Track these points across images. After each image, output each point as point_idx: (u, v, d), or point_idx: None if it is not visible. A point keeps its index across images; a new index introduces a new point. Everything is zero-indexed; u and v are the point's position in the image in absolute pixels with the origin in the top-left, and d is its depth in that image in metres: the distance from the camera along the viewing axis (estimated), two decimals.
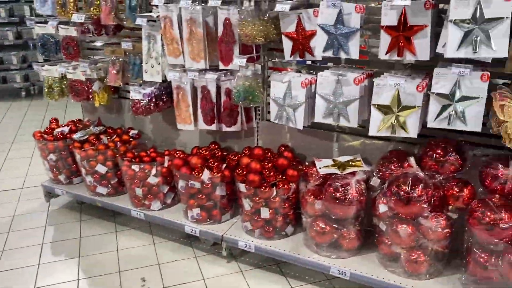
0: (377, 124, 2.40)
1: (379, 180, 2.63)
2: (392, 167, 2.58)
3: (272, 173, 2.77)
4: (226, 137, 3.37)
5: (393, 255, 2.60)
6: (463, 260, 2.45)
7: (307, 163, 2.86)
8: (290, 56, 2.71)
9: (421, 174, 2.42)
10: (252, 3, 2.56)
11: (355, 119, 2.53)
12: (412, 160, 2.49)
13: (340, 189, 2.54)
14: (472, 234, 2.30)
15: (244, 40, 2.68)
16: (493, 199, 2.25)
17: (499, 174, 2.28)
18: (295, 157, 3.03)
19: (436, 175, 2.46)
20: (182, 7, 2.71)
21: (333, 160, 2.81)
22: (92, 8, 3.15)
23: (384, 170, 2.61)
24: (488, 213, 2.20)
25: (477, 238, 2.28)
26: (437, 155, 2.46)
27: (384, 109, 2.36)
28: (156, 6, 2.92)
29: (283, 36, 2.69)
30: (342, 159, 2.83)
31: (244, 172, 2.83)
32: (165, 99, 3.28)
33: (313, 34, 2.58)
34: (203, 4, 2.73)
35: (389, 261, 2.64)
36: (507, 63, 2.13)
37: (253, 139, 3.29)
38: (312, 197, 2.70)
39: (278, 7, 2.53)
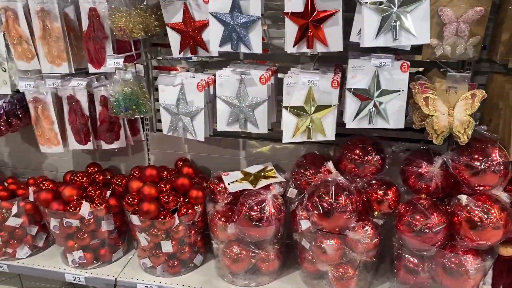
0: (291, 129, 2.04)
1: (296, 191, 2.30)
2: (309, 174, 2.26)
3: (171, 198, 2.27)
4: (108, 155, 2.76)
5: (319, 272, 2.30)
6: (392, 267, 2.24)
7: (212, 179, 2.41)
8: (180, 53, 2.21)
9: (343, 180, 2.13)
10: None
11: (265, 124, 2.14)
12: (330, 164, 2.20)
13: (255, 208, 2.14)
14: (402, 240, 2.09)
15: (118, 36, 2.10)
16: (421, 200, 2.06)
17: (423, 172, 2.09)
18: (197, 172, 2.55)
19: (357, 179, 2.20)
20: None
21: (242, 172, 2.41)
22: None
23: (300, 178, 2.28)
24: (418, 217, 1.99)
25: (408, 244, 2.07)
26: (356, 157, 2.19)
27: (297, 111, 2.02)
28: None
29: (168, 29, 2.18)
30: (252, 169, 2.44)
31: (136, 200, 2.27)
32: (20, 115, 2.54)
33: (204, 25, 2.12)
34: None
35: (315, 279, 2.34)
36: (423, 50, 1.92)
37: (143, 154, 2.73)
38: (223, 219, 2.26)
39: None
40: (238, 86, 2.10)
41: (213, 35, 2.06)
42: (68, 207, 2.29)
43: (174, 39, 2.19)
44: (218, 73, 2.12)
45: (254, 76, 2.07)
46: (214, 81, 2.14)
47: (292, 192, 2.28)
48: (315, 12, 1.88)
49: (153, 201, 2.22)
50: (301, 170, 2.29)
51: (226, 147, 2.61)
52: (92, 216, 2.31)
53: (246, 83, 2.09)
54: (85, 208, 2.28)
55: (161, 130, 2.68)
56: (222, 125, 2.19)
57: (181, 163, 2.61)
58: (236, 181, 2.32)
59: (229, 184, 2.29)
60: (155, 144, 2.70)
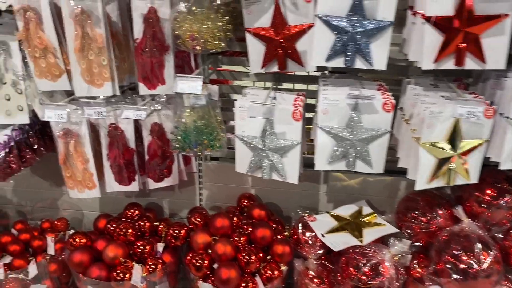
0: (428, 172, 1.54)
1: (409, 241, 1.81)
2: (425, 220, 1.78)
3: (252, 257, 1.73)
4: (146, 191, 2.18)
5: None
6: None
7: (293, 224, 1.89)
8: (263, 67, 1.66)
9: (481, 232, 1.66)
10: None
11: (382, 162, 1.64)
12: (460, 211, 1.72)
13: (368, 272, 1.65)
14: None
15: (186, 46, 1.53)
16: None
17: None
18: (269, 214, 2.02)
19: (492, 227, 1.74)
20: None
21: (334, 216, 1.90)
22: None
23: (411, 223, 1.80)
24: None
25: None
26: (489, 197, 1.72)
27: (440, 149, 1.51)
28: None
29: (247, 36, 1.62)
30: (345, 211, 1.93)
31: (206, 262, 1.73)
32: (35, 144, 1.93)
33: (302, 31, 1.57)
34: None
35: None
36: None
37: (193, 189, 2.17)
38: (316, 280, 1.76)
39: None
40: (350, 113, 1.58)
41: (318, 46, 1.53)
42: (114, 274, 1.72)
43: (255, 49, 1.63)
44: (322, 96, 1.58)
45: (375, 101, 1.55)
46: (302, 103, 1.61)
47: (404, 243, 1.78)
48: (472, 17, 1.37)
49: (232, 265, 1.69)
50: (413, 214, 1.81)
51: (301, 179, 2.08)
52: (145, 282, 1.75)
53: (362, 110, 1.57)
54: (137, 274, 1.72)
55: (217, 159, 2.15)
56: (322, 163, 1.66)
57: (245, 201, 2.07)
58: (332, 230, 1.81)
59: (323, 235, 1.78)
60: (209, 177, 2.14)
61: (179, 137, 1.64)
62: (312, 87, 1.99)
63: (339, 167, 1.66)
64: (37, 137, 1.94)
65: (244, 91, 1.77)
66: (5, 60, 1.60)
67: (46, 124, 1.78)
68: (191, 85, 1.49)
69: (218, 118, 1.67)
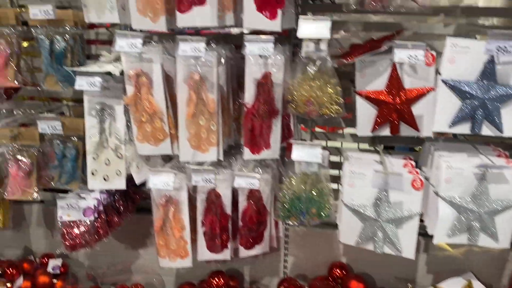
0: None
1: None
2: None
3: None
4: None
5: None
6: None
7: None
8: (373, 131, 1.57)
9: None
10: (324, 46, 1.35)
11: (508, 236, 1.50)
12: None
13: None
14: None
15: (299, 110, 1.46)
16: None
17: None
18: (366, 286, 1.85)
19: None
20: (181, 54, 1.37)
21: None
22: None
23: None
24: None
25: None
26: None
27: None
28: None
29: (357, 99, 1.54)
30: (453, 285, 1.77)
31: None
32: (122, 207, 1.85)
33: (421, 94, 1.49)
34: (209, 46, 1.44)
35: None
36: None
37: (276, 256, 2.03)
38: None
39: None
40: (476, 183, 1.46)
41: (441, 111, 1.44)
42: None
43: (365, 112, 1.55)
44: (444, 164, 1.47)
45: (506, 172, 1.43)
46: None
47: None
48: None
49: None
50: None
51: None
52: None
53: (490, 179, 1.45)
54: None
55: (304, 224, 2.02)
56: (442, 236, 1.53)
57: (338, 270, 1.92)
58: None
59: None
60: (295, 242, 2.01)
61: (286, 205, 1.54)
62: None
63: (460, 240, 1.53)
64: (122, 199, 1.87)
65: (346, 155, 1.68)
66: (110, 124, 1.55)
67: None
68: (309, 153, 1.40)
69: (328, 185, 1.56)
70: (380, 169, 1.53)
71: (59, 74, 1.55)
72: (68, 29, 1.52)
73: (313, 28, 1.29)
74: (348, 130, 1.89)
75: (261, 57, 1.44)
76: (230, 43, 1.62)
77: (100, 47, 1.88)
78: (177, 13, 1.37)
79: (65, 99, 2.00)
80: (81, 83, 1.42)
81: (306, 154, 1.41)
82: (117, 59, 1.60)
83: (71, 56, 1.55)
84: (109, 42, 1.89)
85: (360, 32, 1.77)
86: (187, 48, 1.35)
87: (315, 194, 1.51)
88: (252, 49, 1.33)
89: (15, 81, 1.57)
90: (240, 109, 1.67)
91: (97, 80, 1.41)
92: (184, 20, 1.39)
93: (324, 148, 1.54)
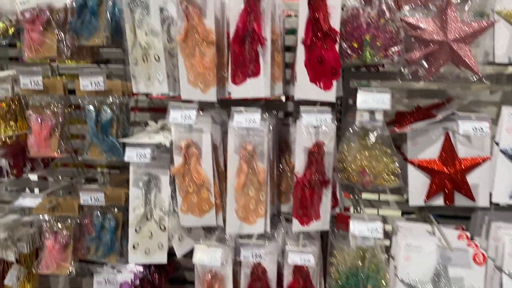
0: None
1: None
2: None
3: None
4: None
5: None
6: None
7: None
8: (426, 200, 1.51)
9: None
10: (380, 116, 1.33)
11: None
12: None
13: None
14: None
15: (351, 180, 1.42)
16: None
17: None
18: None
19: None
20: (236, 126, 1.35)
21: None
22: (7, 127, 1.58)
23: None
24: None
25: None
26: None
27: None
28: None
29: (409, 167, 1.50)
30: None
31: None
32: (156, 280, 1.75)
33: (477, 164, 1.45)
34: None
35: None
36: None
37: None
38: None
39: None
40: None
41: (500, 181, 1.39)
42: None
43: (417, 181, 1.51)
44: (507, 237, 1.40)
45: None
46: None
47: None
48: None
49: None
50: None
51: None
52: None
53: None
54: None
55: None
56: None
57: None
58: None
59: None
60: None
61: (339, 282, 1.45)
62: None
63: None
64: (156, 271, 1.77)
65: (395, 225, 1.60)
66: (155, 196, 1.50)
67: None
68: (369, 227, 1.33)
69: (384, 259, 1.48)
70: (435, 240, 1.45)
71: (104, 144, 1.52)
72: (116, 99, 1.51)
73: (372, 99, 1.27)
74: (392, 197, 1.83)
75: (317, 125, 1.42)
76: (270, 109, 1.62)
77: (138, 114, 1.87)
78: (231, 85, 1.36)
79: (100, 166, 1.96)
80: (130, 154, 1.38)
81: (366, 228, 1.34)
82: (163, 127, 1.58)
83: (116, 126, 1.53)
84: (148, 109, 1.89)
85: (402, 99, 1.77)
86: (242, 119, 1.33)
87: (371, 270, 1.42)
88: (309, 120, 1.31)
89: (58, 151, 1.54)
90: (281, 175, 1.63)
91: (147, 151, 1.38)
92: (238, 91, 1.38)
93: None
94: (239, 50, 1.33)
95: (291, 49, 1.68)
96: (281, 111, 1.84)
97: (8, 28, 1.80)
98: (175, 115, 1.36)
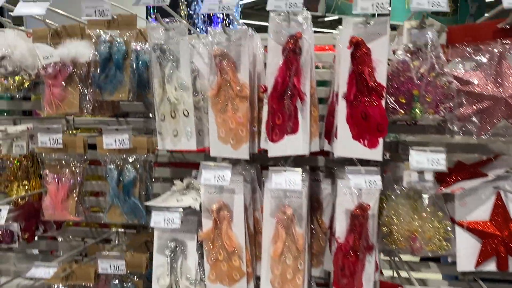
0: None
1: None
2: None
3: None
4: None
5: None
6: None
7: None
8: (477, 266, 1.37)
9: None
10: (430, 176, 1.22)
11: None
12: None
13: None
14: None
15: (398, 245, 1.28)
16: None
17: None
18: None
19: None
20: (275, 187, 1.23)
21: None
22: (20, 186, 1.46)
23: None
24: None
25: None
26: None
27: None
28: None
29: (457, 229, 1.37)
30: None
31: None
32: None
33: None
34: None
35: None
36: None
37: None
38: None
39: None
40: None
41: None
42: None
43: (466, 244, 1.38)
44: None
45: None
46: None
47: None
48: None
49: None
50: None
51: None
52: None
53: None
54: None
55: None
56: None
57: None
58: None
59: None
60: None
61: None
62: None
63: None
64: None
65: None
66: (181, 263, 1.36)
67: None
68: None
69: None
70: None
71: (126, 206, 1.40)
72: (139, 156, 1.40)
73: (426, 160, 1.17)
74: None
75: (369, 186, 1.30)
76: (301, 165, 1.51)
77: (158, 169, 1.76)
78: (269, 143, 1.26)
79: (114, 225, 1.83)
80: (157, 219, 1.26)
81: None
82: (188, 186, 1.47)
83: (139, 186, 1.41)
84: (168, 164, 1.78)
85: None
86: (282, 180, 1.22)
87: None
88: (358, 182, 1.20)
89: (76, 214, 1.41)
90: (312, 236, 1.50)
91: (176, 216, 1.26)
92: (275, 149, 1.27)
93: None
94: (278, 106, 1.24)
95: (322, 101, 1.60)
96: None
97: (24, 81, 1.74)
98: (207, 176, 1.25)
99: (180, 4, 4.94)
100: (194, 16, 5.14)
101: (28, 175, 1.66)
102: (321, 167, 1.68)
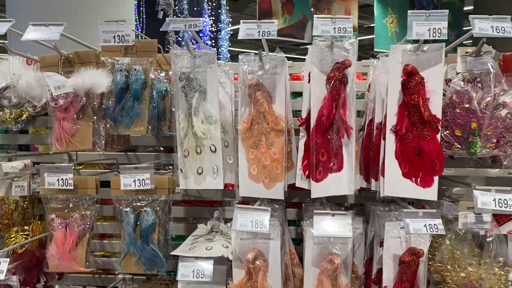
0: None
1: None
2: None
3: None
4: None
5: None
6: None
7: None
8: None
9: None
10: (488, 218, 1.10)
11: None
12: None
13: None
14: None
15: None
16: None
17: None
18: None
19: None
20: (321, 234, 1.09)
21: None
22: (19, 232, 1.28)
23: None
24: None
25: None
26: None
27: None
28: None
29: None
30: None
31: None
32: None
33: None
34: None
35: None
36: None
37: None
38: None
39: None
40: None
41: None
42: None
43: None
44: None
45: None
46: None
47: None
48: None
49: None
50: None
51: None
52: None
53: None
54: None
55: None
56: None
57: None
58: None
59: None
60: None
61: None
62: None
63: None
64: None
65: None
66: None
67: None
68: None
69: None
70: None
71: (144, 254, 1.23)
72: (159, 197, 1.24)
73: (492, 201, 1.05)
74: None
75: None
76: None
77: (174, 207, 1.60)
78: (312, 183, 1.12)
79: (121, 273, 1.64)
80: (186, 272, 1.09)
81: None
82: (213, 229, 1.31)
83: (158, 230, 1.24)
84: (181, 202, 1.62)
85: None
86: (329, 226, 1.07)
87: None
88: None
89: (86, 265, 1.23)
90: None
91: (207, 268, 1.09)
92: (319, 189, 1.13)
93: None
94: (322, 142, 1.11)
95: None
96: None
97: (22, 113, 1.57)
98: (244, 222, 1.09)
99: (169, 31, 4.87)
100: (183, 43, 5.07)
101: (25, 218, 1.48)
102: (345, 204, 1.56)
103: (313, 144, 1.11)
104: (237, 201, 1.58)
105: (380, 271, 1.25)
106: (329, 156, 1.12)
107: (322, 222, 1.09)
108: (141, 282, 1.61)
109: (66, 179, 1.19)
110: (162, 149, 1.71)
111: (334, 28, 1.03)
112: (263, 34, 1.09)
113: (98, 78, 1.14)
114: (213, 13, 5.61)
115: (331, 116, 1.09)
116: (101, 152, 1.62)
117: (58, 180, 1.19)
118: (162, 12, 4.93)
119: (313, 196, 1.13)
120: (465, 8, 7.67)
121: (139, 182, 1.18)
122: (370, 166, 1.25)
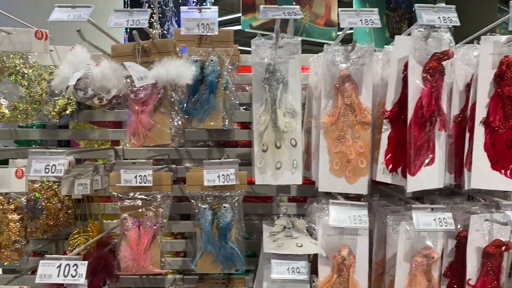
0: None
1: None
2: None
3: None
4: None
5: None
6: None
7: None
8: None
9: None
10: None
11: None
12: None
13: None
14: None
15: None
16: None
17: None
18: None
19: None
20: (418, 228, 1.06)
21: None
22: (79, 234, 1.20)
23: None
24: None
25: None
26: None
27: None
28: None
29: None
30: None
31: None
32: None
33: None
34: None
35: None
36: None
37: None
38: None
39: None
40: None
41: None
42: None
43: None
44: None
45: None
46: None
47: None
48: None
49: None
50: None
51: None
52: None
53: None
54: None
55: None
56: None
57: None
58: None
59: None
60: None
61: None
62: None
63: None
64: None
65: None
66: None
67: None
68: None
69: None
70: None
71: (221, 252, 1.18)
72: (237, 193, 1.19)
73: None
74: None
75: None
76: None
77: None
78: (408, 177, 1.10)
79: (171, 271, 1.57)
80: (280, 270, 1.05)
81: None
82: (292, 225, 1.27)
83: (236, 227, 1.19)
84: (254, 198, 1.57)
85: None
86: (431, 220, 1.05)
87: None
88: (427, 221, 1.05)
89: (161, 266, 1.17)
90: None
91: (303, 265, 1.05)
92: (414, 183, 1.11)
93: None
94: (419, 134, 1.09)
95: None
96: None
97: (67, 106, 1.48)
98: (340, 217, 1.06)
99: (154, 23, 4.76)
100: (168, 36, 4.99)
101: (69, 218, 1.39)
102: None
103: (411, 137, 1.08)
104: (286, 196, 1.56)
105: (452, 264, 1.25)
106: (427, 149, 1.10)
107: (424, 217, 1.07)
108: (195, 282, 1.55)
109: (145, 175, 1.12)
110: (210, 144, 1.65)
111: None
112: (289, 14, 1.06)
113: (182, 68, 1.08)
114: (197, 5, 5.52)
115: (431, 108, 1.07)
116: (149, 148, 1.55)
117: (135, 176, 1.12)
118: (147, 4, 4.81)
119: (409, 190, 1.11)
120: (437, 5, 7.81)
121: (223, 178, 1.13)
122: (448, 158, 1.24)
